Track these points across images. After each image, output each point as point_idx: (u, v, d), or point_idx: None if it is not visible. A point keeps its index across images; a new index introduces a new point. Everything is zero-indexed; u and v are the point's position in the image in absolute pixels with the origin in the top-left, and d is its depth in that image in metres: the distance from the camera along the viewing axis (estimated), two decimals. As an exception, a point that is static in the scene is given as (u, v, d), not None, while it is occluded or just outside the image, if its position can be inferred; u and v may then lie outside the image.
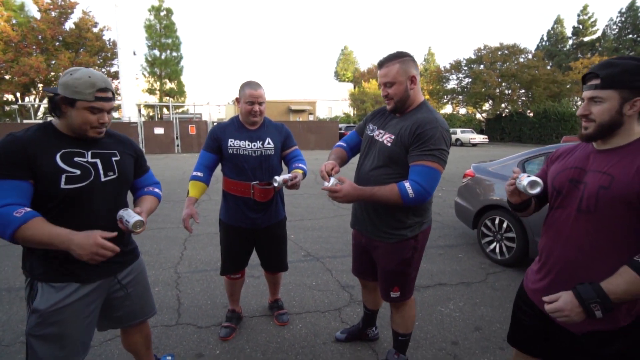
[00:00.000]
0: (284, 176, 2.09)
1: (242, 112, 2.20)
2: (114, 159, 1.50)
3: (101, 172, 1.44)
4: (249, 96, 2.12)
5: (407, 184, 1.57)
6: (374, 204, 1.74)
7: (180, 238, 4.44)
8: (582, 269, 1.18)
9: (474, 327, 2.54)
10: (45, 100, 21.96)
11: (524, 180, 1.26)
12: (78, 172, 1.36)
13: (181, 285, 3.15)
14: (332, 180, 1.63)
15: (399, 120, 1.75)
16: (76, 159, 1.38)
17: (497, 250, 3.75)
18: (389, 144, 1.71)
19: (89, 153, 1.42)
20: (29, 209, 1.23)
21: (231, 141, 2.16)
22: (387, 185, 1.61)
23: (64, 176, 1.33)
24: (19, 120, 19.43)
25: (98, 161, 1.44)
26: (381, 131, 1.80)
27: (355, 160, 2.03)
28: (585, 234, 1.16)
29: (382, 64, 1.69)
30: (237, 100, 2.22)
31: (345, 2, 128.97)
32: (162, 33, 26.39)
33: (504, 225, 3.67)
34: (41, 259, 1.37)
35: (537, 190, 1.24)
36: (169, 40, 26.61)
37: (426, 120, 1.62)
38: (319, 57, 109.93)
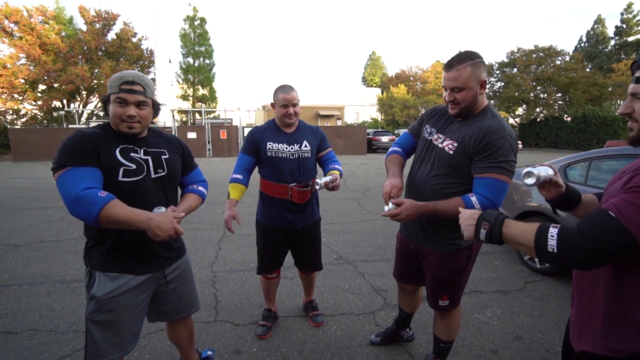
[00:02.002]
0: (325, 179, 2.13)
1: (277, 115, 2.26)
2: (163, 157, 1.59)
3: (152, 169, 1.53)
4: (283, 100, 2.18)
5: (473, 199, 1.47)
6: (436, 218, 1.63)
7: (215, 239, 4.58)
8: (588, 283, 1.03)
9: (513, 337, 2.46)
10: (88, 107, 23.29)
11: (524, 170, 1.23)
12: (134, 166, 1.46)
13: (217, 284, 3.26)
14: (391, 205, 1.56)
15: (461, 125, 1.63)
16: (132, 154, 1.48)
17: (536, 258, 3.60)
18: (451, 152, 1.60)
19: (142, 150, 1.52)
20: (107, 192, 1.33)
21: (270, 144, 2.22)
22: (450, 199, 1.53)
23: (122, 169, 1.43)
24: (65, 125, 20.72)
25: (149, 158, 1.53)
26: (440, 135, 1.69)
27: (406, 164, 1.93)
28: None
29: (451, 65, 1.53)
30: (272, 105, 2.28)
31: (373, 8, 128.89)
32: (196, 41, 27.36)
33: (544, 232, 3.53)
34: (100, 252, 1.49)
35: (530, 180, 1.20)
36: (202, 48, 27.53)
37: (493, 129, 1.50)
38: (347, 62, 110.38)
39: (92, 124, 20.29)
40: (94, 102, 24.25)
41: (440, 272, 1.76)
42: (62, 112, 22.05)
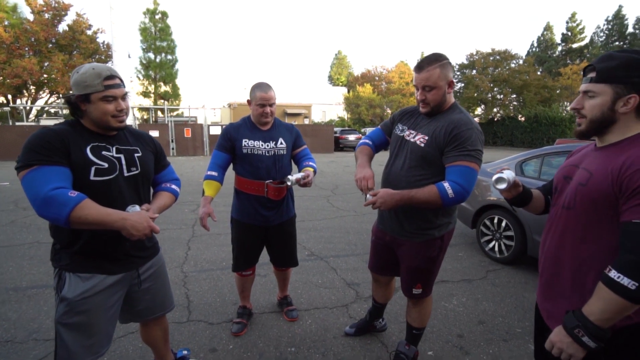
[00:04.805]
0: (297, 175, 2.16)
1: (253, 113, 2.26)
2: (136, 154, 1.55)
3: (124, 167, 1.49)
4: (260, 99, 2.18)
5: (446, 185, 1.58)
6: (411, 206, 1.71)
7: (184, 239, 4.47)
8: (561, 267, 1.15)
9: (477, 321, 2.63)
10: (37, 103, 21.64)
11: (495, 176, 1.33)
12: (106, 165, 1.42)
13: (189, 284, 3.19)
14: (368, 196, 1.66)
15: (431, 121, 1.76)
16: (104, 152, 1.44)
17: (496, 248, 3.85)
18: (422, 145, 1.71)
19: (114, 148, 1.48)
20: (78, 192, 1.28)
21: (245, 141, 2.22)
22: (424, 187, 1.62)
23: (93, 168, 1.38)
24: (10, 123, 19.16)
25: (122, 156, 1.49)
26: (412, 131, 1.80)
27: (380, 160, 2.04)
28: (565, 230, 1.14)
29: (421, 67, 1.65)
30: (249, 102, 2.28)
31: (338, 7, 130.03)
32: (157, 36, 26.24)
33: (503, 224, 3.78)
34: (69, 254, 1.43)
35: (502, 186, 1.31)
36: (164, 44, 26.46)
37: (462, 122, 1.63)
38: (313, 61, 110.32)
39: (42, 122, 18.89)
40: (44, 98, 22.61)
41: (414, 261, 1.86)
42: (7, 109, 20.37)
